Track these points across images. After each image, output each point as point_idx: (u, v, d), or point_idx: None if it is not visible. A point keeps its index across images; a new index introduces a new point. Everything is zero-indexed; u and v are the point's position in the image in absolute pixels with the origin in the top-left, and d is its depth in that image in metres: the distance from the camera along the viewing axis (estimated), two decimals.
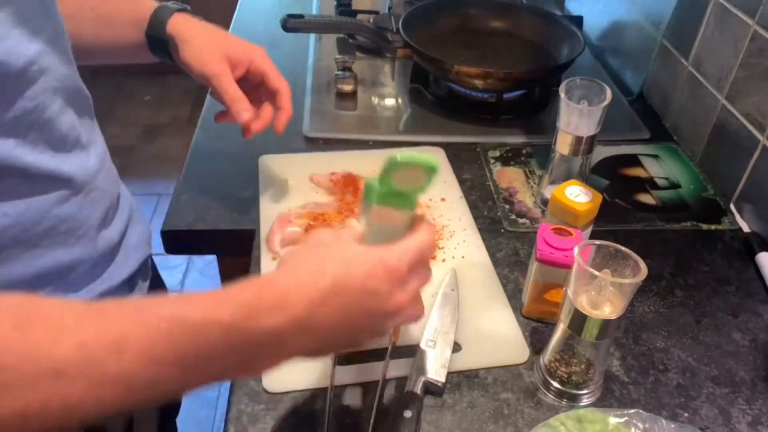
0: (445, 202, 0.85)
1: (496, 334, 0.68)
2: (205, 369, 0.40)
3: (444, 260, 0.76)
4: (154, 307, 0.40)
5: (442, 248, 0.78)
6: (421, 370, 0.62)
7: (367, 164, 0.90)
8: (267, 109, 0.73)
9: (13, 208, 0.53)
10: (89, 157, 0.61)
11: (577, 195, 0.70)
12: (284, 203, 0.82)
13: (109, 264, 0.65)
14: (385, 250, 0.46)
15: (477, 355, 0.66)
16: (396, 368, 0.63)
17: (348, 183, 0.85)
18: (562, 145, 0.79)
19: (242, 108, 0.70)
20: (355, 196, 0.84)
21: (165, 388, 0.39)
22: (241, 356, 0.41)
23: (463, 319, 0.68)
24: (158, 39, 0.72)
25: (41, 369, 0.34)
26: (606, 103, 0.75)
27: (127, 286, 0.69)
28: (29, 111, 0.52)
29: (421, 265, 0.48)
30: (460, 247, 0.78)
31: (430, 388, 0.62)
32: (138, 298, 0.50)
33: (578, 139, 0.78)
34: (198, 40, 0.70)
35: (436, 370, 0.62)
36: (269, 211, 0.81)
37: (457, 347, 0.66)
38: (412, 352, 0.64)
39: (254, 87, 0.74)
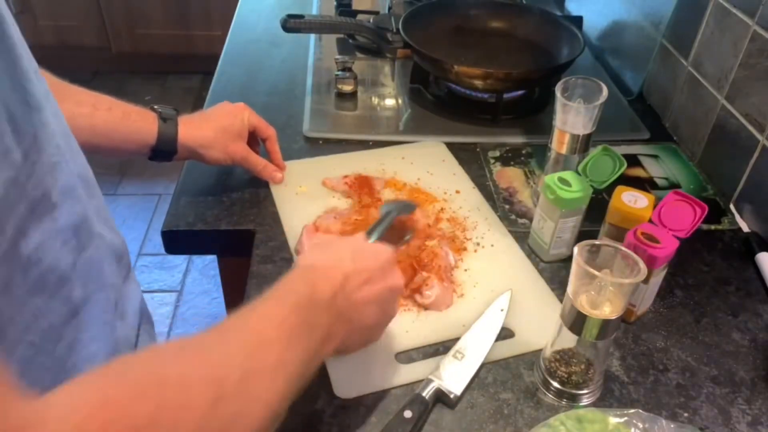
0: (460, 194, 0.86)
1: (545, 317, 0.68)
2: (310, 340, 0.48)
3: (476, 250, 0.77)
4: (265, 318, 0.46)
5: (470, 239, 0.79)
6: (439, 376, 0.62)
7: (374, 164, 0.91)
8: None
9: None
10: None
11: (635, 201, 0.70)
12: (304, 211, 0.82)
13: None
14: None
15: (533, 338, 0.67)
16: (415, 371, 0.63)
17: (363, 184, 0.86)
18: (559, 144, 0.79)
19: (273, 171, 0.86)
20: (372, 196, 0.84)
21: (296, 370, 0.46)
22: (323, 326, 0.49)
23: (511, 306, 0.69)
24: (167, 151, 0.77)
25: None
26: (602, 101, 0.75)
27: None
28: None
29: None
30: (487, 235, 0.80)
31: (443, 398, 0.61)
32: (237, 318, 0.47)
33: (574, 138, 0.78)
34: (213, 140, 0.79)
35: (454, 381, 0.62)
36: (292, 220, 0.81)
37: (509, 333, 0.67)
38: (446, 350, 0.65)
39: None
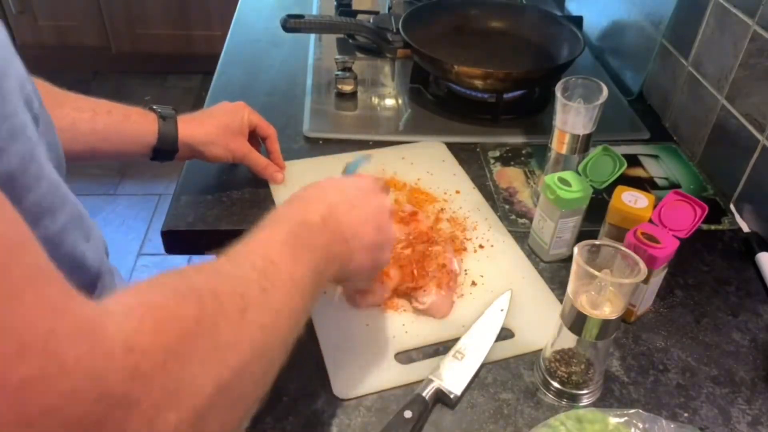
0: (460, 194, 0.86)
1: (545, 317, 0.68)
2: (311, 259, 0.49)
3: (476, 250, 0.77)
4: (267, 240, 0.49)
5: (470, 239, 0.79)
6: (439, 376, 0.62)
7: (374, 164, 0.90)
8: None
9: None
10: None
11: (635, 201, 0.70)
12: None
13: None
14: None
15: (533, 338, 0.67)
16: (415, 371, 0.63)
17: None
18: (559, 144, 0.79)
19: (274, 171, 0.86)
20: None
21: (307, 286, 0.48)
22: (322, 246, 0.51)
23: (510, 306, 0.69)
24: (168, 150, 0.77)
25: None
26: (602, 101, 0.75)
27: None
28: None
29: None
30: (488, 235, 0.80)
31: (443, 398, 0.61)
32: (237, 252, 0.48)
33: (574, 138, 0.78)
34: (214, 137, 0.80)
35: (454, 381, 0.62)
36: None
37: (509, 333, 0.67)
38: (446, 350, 0.65)
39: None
